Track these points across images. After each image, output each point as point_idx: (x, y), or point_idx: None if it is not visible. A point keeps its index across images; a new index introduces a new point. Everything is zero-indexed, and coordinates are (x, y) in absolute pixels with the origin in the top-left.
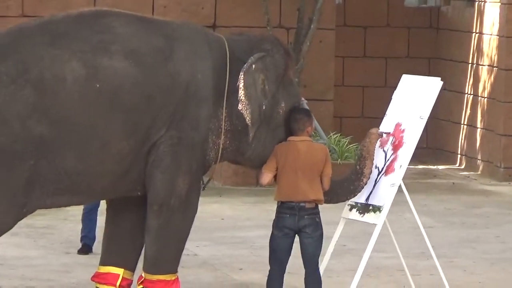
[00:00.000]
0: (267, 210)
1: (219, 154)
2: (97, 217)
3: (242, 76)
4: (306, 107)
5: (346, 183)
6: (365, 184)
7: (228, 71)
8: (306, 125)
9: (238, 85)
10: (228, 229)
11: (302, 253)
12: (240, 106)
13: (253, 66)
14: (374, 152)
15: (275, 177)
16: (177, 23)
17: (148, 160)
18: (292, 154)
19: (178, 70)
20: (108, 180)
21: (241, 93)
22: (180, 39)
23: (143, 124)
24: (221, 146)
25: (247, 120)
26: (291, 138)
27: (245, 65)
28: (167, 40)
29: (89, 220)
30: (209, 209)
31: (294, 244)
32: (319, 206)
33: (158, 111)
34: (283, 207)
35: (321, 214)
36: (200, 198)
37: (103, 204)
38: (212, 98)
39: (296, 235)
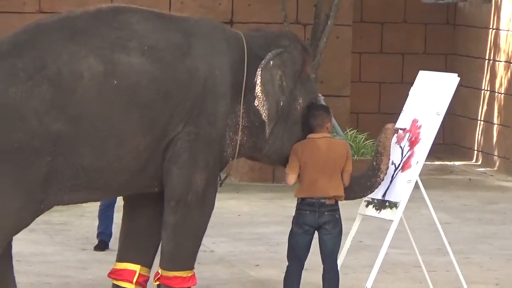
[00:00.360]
0: (283, 206)
1: (237, 150)
2: (114, 214)
3: (260, 72)
4: (323, 103)
5: (363, 180)
6: (382, 180)
7: (246, 67)
8: (325, 121)
9: (256, 81)
10: (245, 226)
11: (320, 249)
12: (256, 102)
13: (271, 62)
14: (390, 148)
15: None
16: (194, 19)
17: (166, 156)
18: (312, 151)
19: (196, 66)
20: (125, 176)
21: (258, 89)
22: (198, 35)
23: (160, 120)
24: (238, 142)
25: (263, 116)
26: (310, 135)
27: (262, 61)
28: (185, 36)
29: (105, 216)
30: (226, 205)
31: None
32: (339, 202)
33: (176, 107)
34: (303, 204)
35: None
36: (217, 194)
37: (119, 201)
38: (229, 94)
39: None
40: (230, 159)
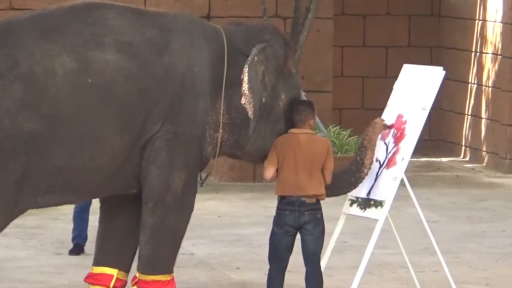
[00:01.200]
0: (264, 207)
1: (217, 149)
2: (89, 216)
3: (247, 68)
4: (305, 99)
5: (347, 175)
6: (366, 175)
7: (226, 63)
8: (308, 117)
9: (242, 78)
10: (225, 227)
11: (302, 250)
12: (243, 100)
13: (255, 58)
14: (376, 143)
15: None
16: (172, 14)
17: (143, 156)
18: (292, 146)
19: (173, 63)
20: (101, 176)
21: (245, 86)
22: (175, 31)
23: (138, 118)
24: (219, 140)
25: (249, 114)
26: (292, 130)
27: (249, 57)
28: (162, 32)
29: (80, 219)
30: (205, 206)
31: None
32: (321, 202)
33: (153, 105)
34: (283, 203)
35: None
36: (197, 196)
37: (95, 203)
38: (209, 91)
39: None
40: (211, 158)
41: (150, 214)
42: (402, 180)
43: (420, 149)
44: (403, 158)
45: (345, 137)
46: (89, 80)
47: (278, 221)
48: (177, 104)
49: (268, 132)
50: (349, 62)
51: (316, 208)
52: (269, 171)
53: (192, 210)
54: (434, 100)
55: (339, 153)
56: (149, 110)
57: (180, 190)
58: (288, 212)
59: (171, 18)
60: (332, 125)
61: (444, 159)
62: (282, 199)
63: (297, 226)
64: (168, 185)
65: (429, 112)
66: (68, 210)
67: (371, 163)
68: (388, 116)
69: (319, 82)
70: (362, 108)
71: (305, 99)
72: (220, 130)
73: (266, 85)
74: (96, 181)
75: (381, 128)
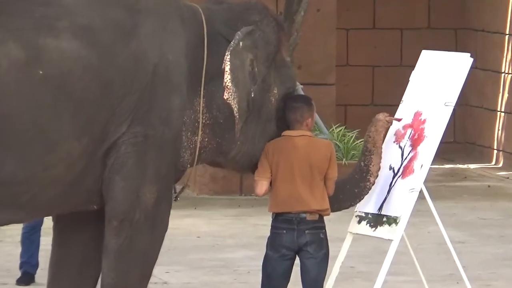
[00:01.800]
0: (254, 225)
1: (196, 155)
2: (40, 238)
3: (229, 56)
4: (302, 93)
5: (349, 185)
6: (373, 184)
7: (206, 49)
8: (305, 116)
9: (223, 68)
10: (206, 250)
11: (302, 277)
12: (226, 95)
13: (241, 43)
14: (381, 144)
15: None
16: None
17: (107, 164)
18: (287, 152)
19: (143, 50)
20: (56, 190)
21: (227, 78)
22: (144, 11)
23: (99, 118)
24: (198, 144)
25: (234, 112)
26: (286, 132)
27: (231, 42)
28: (128, 13)
29: (30, 242)
30: (182, 225)
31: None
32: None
33: (119, 102)
34: (278, 221)
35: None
36: (172, 212)
37: (47, 222)
38: (186, 84)
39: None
40: (188, 165)
41: (114, 235)
42: (421, 192)
43: (443, 153)
44: (422, 165)
45: (352, 139)
46: (40, 72)
47: (273, 242)
48: (147, 100)
49: (258, 134)
50: (356, 48)
51: (319, 226)
52: (262, 185)
53: (166, 230)
54: (460, 94)
55: (344, 159)
56: (113, 108)
57: (151, 206)
58: (285, 231)
59: None
60: (336, 125)
61: (472, 166)
62: (277, 216)
63: (296, 248)
64: (137, 199)
65: (454, 108)
66: (14, 231)
67: (378, 169)
68: (404, 113)
69: (320, 72)
70: (371, 105)
71: (302, 93)
72: (200, 132)
73: (255, 77)
74: (49, 195)
75: (385, 125)
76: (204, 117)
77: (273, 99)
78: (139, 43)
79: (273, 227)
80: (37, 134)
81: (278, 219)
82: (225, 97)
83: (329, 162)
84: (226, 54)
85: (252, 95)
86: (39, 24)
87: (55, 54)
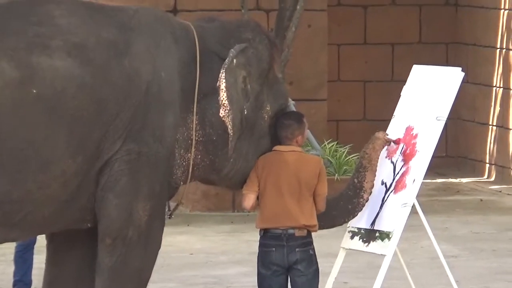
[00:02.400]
0: (247, 241)
1: (189, 172)
2: (34, 257)
3: (224, 74)
4: (294, 109)
5: (343, 202)
6: (366, 201)
7: (198, 67)
8: (296, 133)
9: (219, 85)
10: (199, 267)
11: None
12: (222, 112)
13: (234, 61)
14: (377, 162)
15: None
16: (133, 9)
17: (100, 182)
18: (276, 167)
19: (136, 68)
20: (51, 208)
21: (223, 95)
22: (137, 29)
23: (93, 136)
24: (191, 161)
25: (229, 129)
26: (277, 147)
27: (226, 60)
28: (121, 31)
29: (23, 260)
30: (175, 242)
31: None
32: (314, 235)
33: (112, 120)
34: (266, 237)
35: (315, 244)
36: (165, 229)
37: (41, 240)
38: (179, 102)
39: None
40: (181, 183)
41: (108, 253)
42: (413, 207)
43: (435, 168)
44: (414, 180)
45: (344, 155)
46: (34, 91)
47: (263, 260)
48: (140, 118)
49: (251, 151)
50: (347, 63)
51: (307, 242)
52: (249, 199)
53: (159, 247)
54: (451, 108)
55: (336, 174)
56: (107, 126)
57: (145, 223)
58: (274, 248)
59: (132, 14)
60: (328, 141)
61: (464, 180)
62: (265, 233)
63: (287, 265)
64: (130, 217)
65: (445, 122)
66: (8, 249)
67: (372, 186)
68: (395, 128)
69: (312, 88)
70: (363, 120)
71: (294, 109)
72: (193, 150)
73: (247, 94)
74: (44, 214)
75: (383, 144)
76: (197, 134)
77: (266, 116)
78: (132, 61)
79: (262, 244)
80: (31, 153)
81: (266, 235)
82: (221, 115)
83: (318, 178)
84: (221, 71)
85: (245, 113)
86: (32, 43)
87: (49, 73)
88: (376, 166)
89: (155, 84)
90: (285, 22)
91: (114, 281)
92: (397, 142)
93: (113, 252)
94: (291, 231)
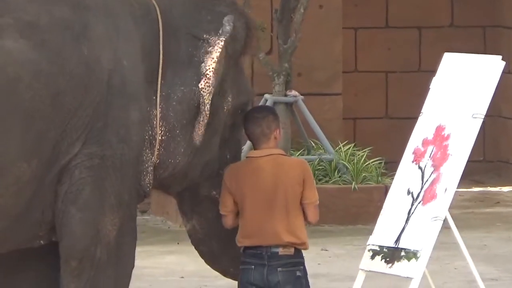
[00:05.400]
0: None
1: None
2: None
3: (222, 43)
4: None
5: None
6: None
7: (161, 49)
8: (273, 126)
9: (210, 51)
10: None
11: None
12: (202, 83)
13: (231, 30)
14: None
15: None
16: None
17: (59, 193)
18: (252, 178)
19: (96, 55)
20: (1, 223)
21: (211, 65)
22: (94, 9)
23: (49, 136)
24: (155, 163)
25: (202, 107)
26: (250, 153)
27: (226, 27)
28: (76, 11)
29: None
30: (163, 263)
31: None
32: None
33: (70, 118)
34: (247, 255)
35: (329, 265)
36: (151, 248)
37: None
38: (144, 94)
39: None
40: (148, 190)
41: (74, 278)
42: (445, 221)
43: (471, 174)
44: (446, 189)
45: (362, 159)
46: None
47: (241, 279)
48: (102, 114)
49: (202, 146)
50: (366, 51)
51: (295, 262)
52: (226, 220)
53: (133, 267)
54: (490, 104)
55: (354, 183)
56: (64, 124)
57: (114, 240)
58: (253, 267)
59: None
60: (343, 143)
61: (505, 189)
62: (246, 250)
63: (267, 287)
64: (98, 234)
65: (483, 121)
66: None
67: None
68: (424, 128)
69: (324, 80)
70: (385, 117)
71: (303, 105)
72: (156, 147)
73: (218, 74)
74: None
75: None
76: (161, 130)
77: (225, 108)
78: (91, 47)
79: (242, 262)
80: None
81: (247, 253)
82: (200, 86)
83: (304, 183)
84: (219, 39)
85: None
86: None
87: (1, 56)
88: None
89: (118, 74)
90: (292, 2)
91: None
92: None
93: (80, 277)
94: (274, 249)
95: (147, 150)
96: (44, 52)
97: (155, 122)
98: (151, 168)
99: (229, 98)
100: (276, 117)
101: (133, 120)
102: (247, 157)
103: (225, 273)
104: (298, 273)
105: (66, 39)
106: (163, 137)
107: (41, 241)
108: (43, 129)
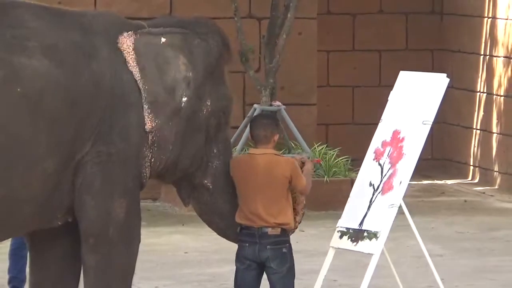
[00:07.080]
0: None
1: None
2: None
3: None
4: (285, 113)
5: None
6: (299, 223)
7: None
8: (274, 132)
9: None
10: (194, 265)
11: None
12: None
13: (163, 39)
14: (310, 178)
15: None
16: (91, 14)
17: (75, 183)
18: (249, 170)
19: (102, 71)
20: (31, 208)
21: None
22: (99, 33)
23: (67, 137)
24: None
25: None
26: (251, 151)
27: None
28: (85, 35)
29: (19, 257)
30: (170, 241)
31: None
32: (304, 235)
33: (83, 122)
34: (243, 234)
35: (305, 243)
36: (161, 228)
37: None
38: (140, 102)
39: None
40: (145, 181)
41: (92, 252)
42: (400, 207)
43: (421, 170)
44: (401, 182)
45: (333, 157)
46: (19, 90)
47: (238, 254)
48: (108, 119)
49: (187, 140)
50: (336, 69)
51: (281, 240)
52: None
53: (139, 241)
54: (437, 113)
55: (326, 176)
56: (78, 128)
57: (123, 220)
58: (247, 244)
59: (91, 18)
60: (318, 144)
61: (449, 182)
62: (242, 229)
63: (259, 260)
64: (108, 215)
65: (431, 126)
66: (3, 246)
67: (304, 207)
68: (383, 132)
69: (302, 93)
70: (352, 123)
71: (285, 114)
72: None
73: (190, 82)
74: (25, 213)
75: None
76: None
77: (204, 110)
78: (99, 64)
79: (239, 240)
80: (17, 151)
81: (243, 232)
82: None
83: (292, 178)
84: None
85: (184, 99)
86: (11, 44)
87: (30, 72)
88: (307, 190)
89: (119, 87)
90: (276, 30)
91: (100, 280)
92: (317, 161)
93: (97, 251)
94: (264, 229)
95: (145, 148)
96: (62, 69)
97: (147, 124)
98: (149, 163)
99: (207, 102)
100: (278, 125)
101: (132, 123)
102: (248, 153)
103: (226, 236)
104: (284, 250)
105: (79, 58)
106: (154, 138)
107: (59, 222)
108: (62, 132)
